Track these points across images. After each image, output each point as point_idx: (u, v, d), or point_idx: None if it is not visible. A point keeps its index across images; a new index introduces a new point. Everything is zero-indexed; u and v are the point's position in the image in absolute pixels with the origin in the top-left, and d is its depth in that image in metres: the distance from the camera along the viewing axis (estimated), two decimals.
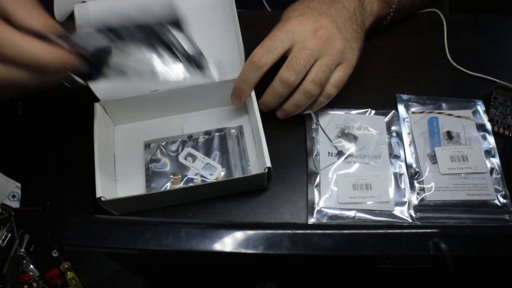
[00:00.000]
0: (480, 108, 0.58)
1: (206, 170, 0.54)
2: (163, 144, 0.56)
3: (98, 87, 0.55)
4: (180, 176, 0.53)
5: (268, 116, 0.58)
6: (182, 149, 0.55)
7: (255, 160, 0.55)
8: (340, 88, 0.55)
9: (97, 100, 0.54)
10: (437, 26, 0.66)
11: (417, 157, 0.55)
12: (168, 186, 0.53)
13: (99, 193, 0.48)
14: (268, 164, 0.50)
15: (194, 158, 0.55)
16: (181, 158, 0.54)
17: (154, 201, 0.52)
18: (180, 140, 0.56)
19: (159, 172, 0.54)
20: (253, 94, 0.55)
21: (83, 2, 0.55)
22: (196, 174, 0.53)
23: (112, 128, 0.58)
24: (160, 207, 0.53)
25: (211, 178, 0.53)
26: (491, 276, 0.42)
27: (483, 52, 0.64)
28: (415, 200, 0.53)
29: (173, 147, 0.56)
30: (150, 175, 0.54)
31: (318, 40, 0.51)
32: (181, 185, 0.52)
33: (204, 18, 0.57)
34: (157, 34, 0.43)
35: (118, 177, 0.55)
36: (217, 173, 0.53)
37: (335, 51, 0.52)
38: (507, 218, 0.51)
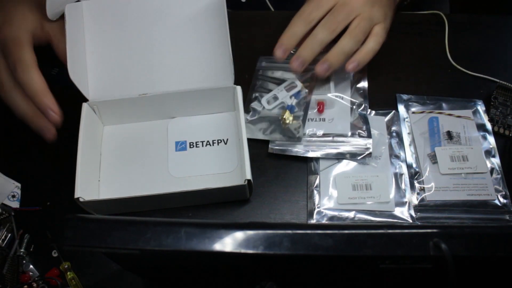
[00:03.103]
0: (480, 108, 0.58)
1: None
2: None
3: (86, 87, 0.55)
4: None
5: None
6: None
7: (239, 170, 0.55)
8: (381, 45, 0.56)
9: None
10: (437, 26, 0.66)
11: (417, 157, 0.55)
12: None
13: (77, 193, 0.48)
14: (249, 176, 0.49)
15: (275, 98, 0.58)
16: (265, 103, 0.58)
17: (135, 205, 0.52)
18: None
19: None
20: (241, 103, 0.54)
21: (77, 1, 0.55)
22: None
23: (101, 128, 0.58)
24: (143, 211, 0.53)
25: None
26: (491, 276, 0.42)
27: (483, 52, 0.64)
28: (415, 200, 0.53)
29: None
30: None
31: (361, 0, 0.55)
32: (163, 191, 0.51)
33: (195, 26, 0.57)
34: None
35: (102, 178, 0.55)
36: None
37: (375, 10, 0.56)
38: (507, 218, 0.51)
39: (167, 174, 0.55)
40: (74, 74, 0.52)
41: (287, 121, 0.55)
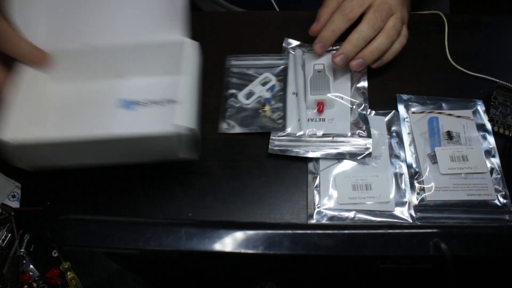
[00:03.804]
0: (480, 108, 0.58)
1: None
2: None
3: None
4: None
5: None
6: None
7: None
8: (403, 46, 0.60)
9: None
10: (437, 26, 0.66)
11: (417, 157, 0.55)
12: None
13: (6, 134, 0.41)
14: (188, 124, 0.45)
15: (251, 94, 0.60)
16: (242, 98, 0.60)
17: (68, 154, 0.48)
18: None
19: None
20: (193, 59, 0.51)
21: None
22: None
23: (44, 84, 0.53)
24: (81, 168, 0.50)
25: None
26: (491, 276, 0.42)
27: (483, 52, 0.64)
28: (415, 200, 0.53)
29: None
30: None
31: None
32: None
33: None
34: None
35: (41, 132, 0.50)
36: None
37: (404, 10, 0.60)
38: (507, 218, 0.51)
39: (110, 131, 0.49)
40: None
41: (268, 113, 0.57)
